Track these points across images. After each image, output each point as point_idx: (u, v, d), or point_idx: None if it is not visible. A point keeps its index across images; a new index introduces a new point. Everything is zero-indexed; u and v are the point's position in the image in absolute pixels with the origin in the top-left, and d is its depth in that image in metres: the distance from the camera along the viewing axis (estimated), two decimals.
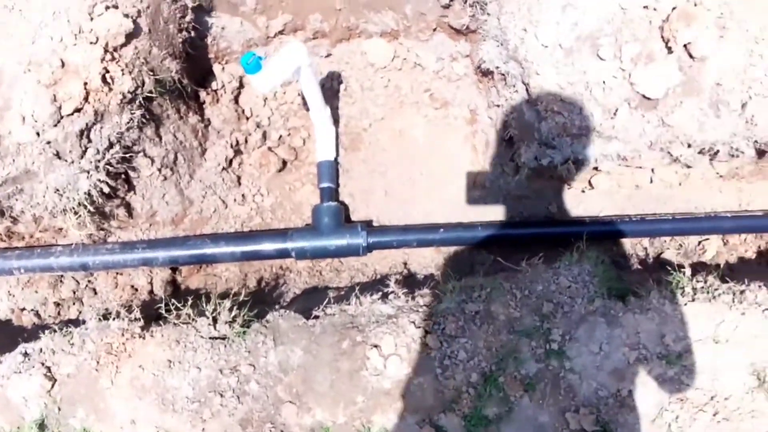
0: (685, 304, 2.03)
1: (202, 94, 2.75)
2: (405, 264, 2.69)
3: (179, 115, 2.51)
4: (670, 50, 2.28)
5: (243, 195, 2.73)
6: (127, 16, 2.14)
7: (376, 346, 1.96)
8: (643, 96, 2.27)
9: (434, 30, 2.91)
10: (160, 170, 2.41)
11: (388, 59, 2.93)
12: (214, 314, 2.07)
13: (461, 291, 2.09)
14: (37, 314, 2.49)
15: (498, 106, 2.65)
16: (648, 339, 1.98)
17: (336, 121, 2.84)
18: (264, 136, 2.81)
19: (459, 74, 2.88)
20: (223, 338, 2.00)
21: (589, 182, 2.59)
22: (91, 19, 2.11)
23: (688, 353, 1.96)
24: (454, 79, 2.90)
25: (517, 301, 2.05)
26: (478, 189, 2.74)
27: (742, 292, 2.08)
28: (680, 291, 2.09)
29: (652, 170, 2.59)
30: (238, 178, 2.76)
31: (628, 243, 2.72)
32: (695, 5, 2.29)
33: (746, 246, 2.74)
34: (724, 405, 1.92)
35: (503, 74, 2.52)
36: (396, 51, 2.94)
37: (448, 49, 2.91)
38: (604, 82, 2.30)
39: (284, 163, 2.79)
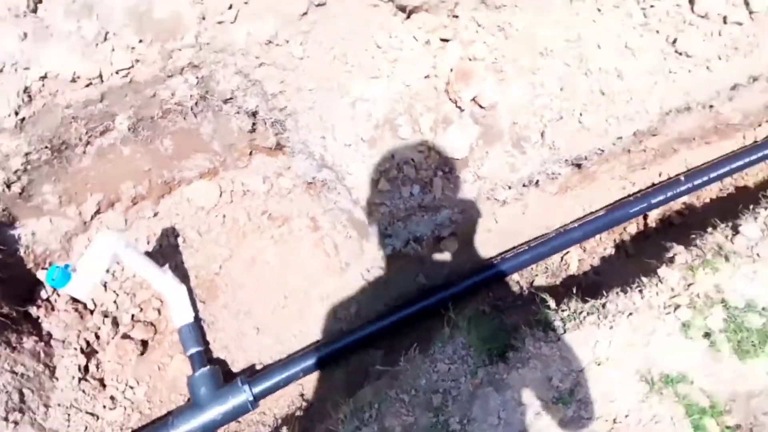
0: (559, 340, 2.08)
1: (33, 309, 2.55)
2: (302, 395, 2.58)
3: (11, 348, 2.31)
4: (461, 109, 2.39)
5: (112, 397, 2.51)
6: None
7: None
8: (452, 158, 2.36)
9: (250, 154, 2.91)
10: (6, 419, 2.18)
11: (216, 197, 2.89)
12: None
13: (352, 417, 2.02)
14: None
15: (331, 210, 2.67)
16: (538, 388, 1.99)
17: (184, 276, 2.74)
18: (115, 322, 2.64)
19: (288, 187, 2.88)
20: None
21: (440, 248, 2.63)
22: None
23: (578, 386, 1.98)
24: (286, 194, 2.89)
25: (407, 406, 2.00)
26: (343, 291, 2.70)
27: (603, 305, 2.15)
28: (550, 327, 2.14)
29: (493, 213, 2.68)
30: (101, 381, 2.54)
31: (501, 283, 2.77)
32: (469, 60, 2.42)
33: (603, 245, 2.88)
34: (627, 423, 1.95)
35: (322, 181, 2.55)
36: (221, 186, 2.90)
37: (269, 167, 2.91)
38: (412, 159, 2.36)
39: (144, 343, 2.62)
